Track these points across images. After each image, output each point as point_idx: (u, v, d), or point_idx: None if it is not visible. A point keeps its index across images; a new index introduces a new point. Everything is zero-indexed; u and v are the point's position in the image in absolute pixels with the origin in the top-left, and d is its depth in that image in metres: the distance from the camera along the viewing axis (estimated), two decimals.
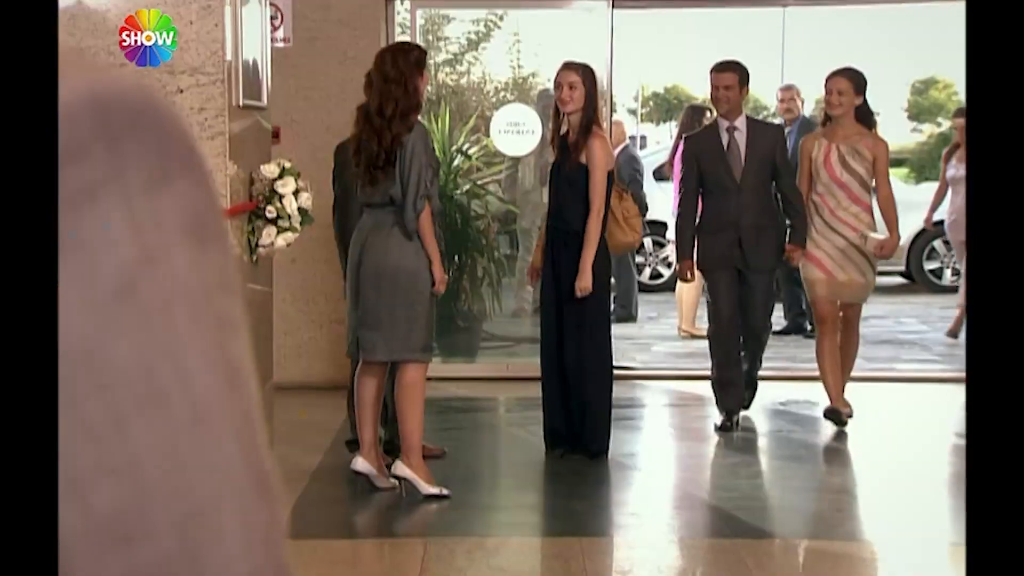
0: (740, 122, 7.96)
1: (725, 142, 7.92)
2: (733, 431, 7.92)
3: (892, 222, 7.95)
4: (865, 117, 7.94)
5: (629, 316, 12.30)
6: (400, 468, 6.49)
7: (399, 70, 6.34)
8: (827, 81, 7.91)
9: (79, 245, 0.63)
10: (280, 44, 8.32)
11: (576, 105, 7.14)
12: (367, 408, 6.58)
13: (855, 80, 7.85)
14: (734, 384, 8.04)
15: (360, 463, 6.59)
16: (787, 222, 7.99)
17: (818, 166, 7.88)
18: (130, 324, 0.64)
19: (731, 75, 7.94)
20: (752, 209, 7.85)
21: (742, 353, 8.09)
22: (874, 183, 7.95)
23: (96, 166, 0.64)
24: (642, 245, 14.33)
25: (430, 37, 11.82)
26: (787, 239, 7.96)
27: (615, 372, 7.57)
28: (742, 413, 8.13)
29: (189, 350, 0.66)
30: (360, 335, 6.46)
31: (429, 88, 8.09)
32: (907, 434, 8.29)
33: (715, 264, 7.98)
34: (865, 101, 7.89)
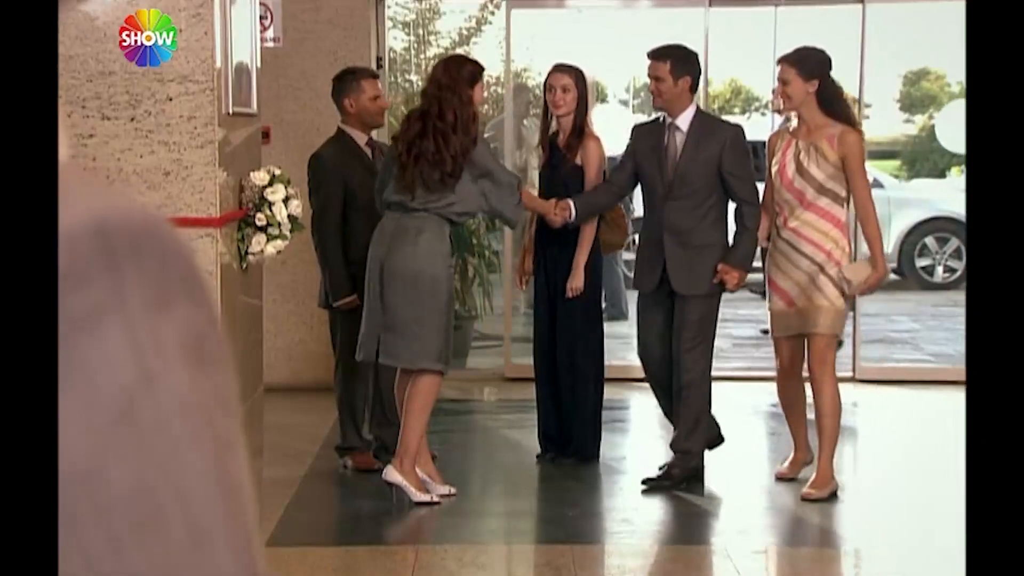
0: (683, 119, 6.81)
1: (664, 141, 6.85)
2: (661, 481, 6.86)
3: (874, 242, 6.60)
4: (829, 103, 6.60)
5: (620, 314, 12.28)
6: (391, 474, 6.47)
7: (451, 77, 6.46)
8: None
9: (80, 369, 0.65)
10: (270, 44, 8.28)
11: (569, 108, 7.16)
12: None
13: (799, 64, 6.58)
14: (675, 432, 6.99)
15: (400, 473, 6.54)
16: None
17: (775, 168, 6.69)
18: (129, 447, 0.65)
19: (662, 64, 6.84)
20: (682, 223, 6.75)
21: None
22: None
23: (98, 292, 0.65)
24: (633, 242, 14.32)
25: (420, 32, 11.80)
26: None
27: (606, 373, 7.57)
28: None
29: (188, 471, 0.67)
30: (383, 340, 6.45)
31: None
32: (902, 437, 8.27)
33: (639, 285, 7.05)
34: (826, 83, 6.60)
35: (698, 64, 6.98)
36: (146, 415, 0.66)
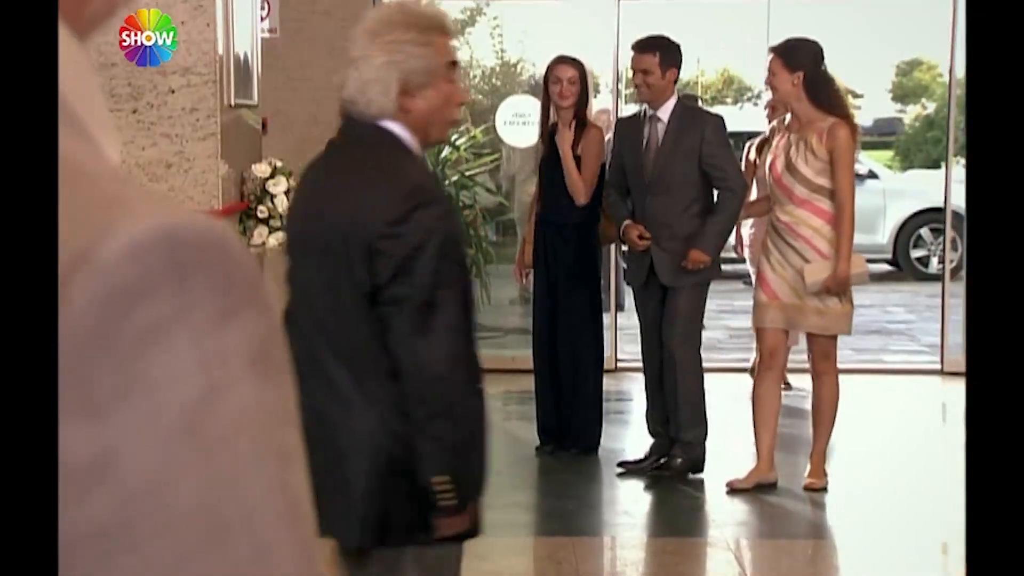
0: (664, 111, 6.77)
1: (646, 134, 6.82)
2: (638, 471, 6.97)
3: (842, 240, 6.33)
4: (818, 95, 6.40)
5: (620, 306, 12.27)
6: None
7: None
8: None
9: (146, 382, 0.64)
10: (267, 35, 8.25)
11: (574, 100, 7.15)
12: None
13: (785, 55, 6.44)
14: (656, 428, 7.08)
15: None
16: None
17: (768, 161, 6.55)
18: (195, 461, 0.64)
19: (649, 57, 6.80)
20: (666, 217, 6.71)
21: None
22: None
23: (165, 304, 0.65)
24: None
25: None
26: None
27: (606, 364, 7.58)
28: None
29: (251, 485, 0.66)
30: None
31: None
32: (898, 429, 8.27)
33: (630, 280, 7.11)
34: (814, 76, 6.42)
35: (682, 55, 6.94)
36: (212, 429, 0.65)
